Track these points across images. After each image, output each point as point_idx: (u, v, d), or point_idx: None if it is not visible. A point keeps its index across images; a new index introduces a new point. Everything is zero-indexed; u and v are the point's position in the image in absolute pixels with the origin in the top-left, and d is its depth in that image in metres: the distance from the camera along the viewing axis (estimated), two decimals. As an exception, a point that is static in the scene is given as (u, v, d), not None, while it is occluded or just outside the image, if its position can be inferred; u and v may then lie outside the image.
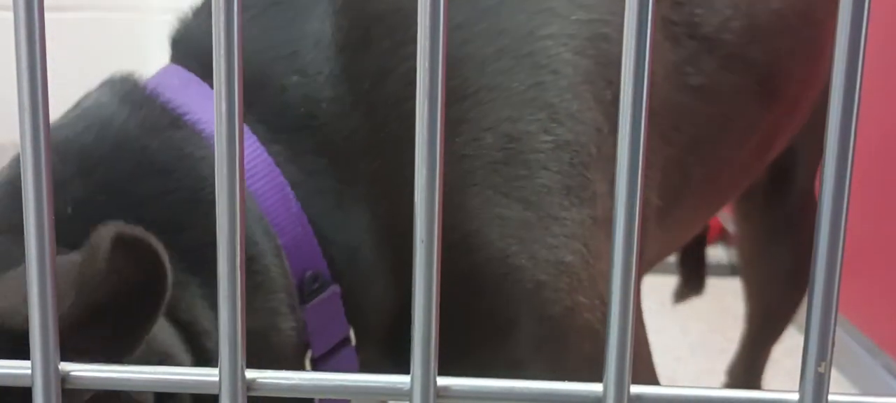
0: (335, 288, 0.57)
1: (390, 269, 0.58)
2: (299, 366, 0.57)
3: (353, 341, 0.59)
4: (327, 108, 0.57)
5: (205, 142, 0.55)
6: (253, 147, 0.55)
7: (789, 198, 1.02)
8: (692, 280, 1.17)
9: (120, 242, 0.39)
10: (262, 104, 0.56)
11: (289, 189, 0.56)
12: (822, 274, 0.25)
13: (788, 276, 1.08)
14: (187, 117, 0.56)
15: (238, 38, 0.24)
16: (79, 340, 0.40)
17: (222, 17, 0.24)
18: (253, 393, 0.25)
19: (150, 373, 0.25)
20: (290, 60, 0.57)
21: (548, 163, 0.58)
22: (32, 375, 0.24)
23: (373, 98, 0.57)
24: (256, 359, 0.55)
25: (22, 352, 0.41)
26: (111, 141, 0.54)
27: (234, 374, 0.24)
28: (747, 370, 1.24)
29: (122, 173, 0.53)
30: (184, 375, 0.25)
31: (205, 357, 0.52)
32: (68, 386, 0.24)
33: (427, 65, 0.24)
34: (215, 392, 0.24)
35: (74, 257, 0.41)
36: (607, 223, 0.62)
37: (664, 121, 0.68)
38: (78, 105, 0.59)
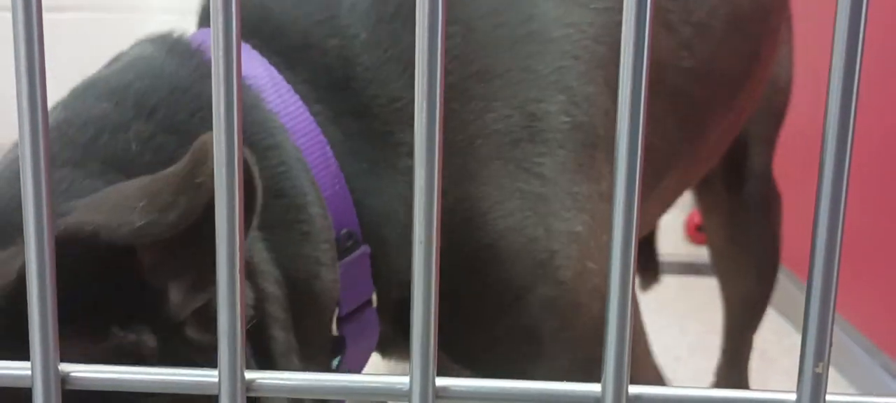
0: (366, 249, 0.60)
1: None
2: (330, 322, 0.59)
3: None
4: (363, 74, 0.59)
5: (253, 93, 0.57)
6: (297, 106, 0.58)
7: (749, 183, 1.07)
8: (647, 271, 1.21)
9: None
10: (305, 65, 0.59)
11: (328, 148, 0.58)
12: (820, 274, 0.25)
13: (760, 261, 1.13)
14: None
15: (236, 38, 0.24)
16: (179, 262, 0.41)
17: (221, 18, 0.24)
18: (252, 394, 0.25)
19: (150, 374, 0.25)
20: (329, 24, 0.60)
21: (564, 142, 0.62)
22: (32, 376, 0.24)
23: (409, 69, 0.59)
24: (300, 309, 0.55)
25: (119, 272, 0.41)
26: (167, 86, 0.56)
27: (234, 375, 0.24)
28: (731, 362, 1.29)
29: (182, 114, 0.55)
30: (183, 375, 0.25)
31: (261, 296, 0.53)
32: (68, 387, 0.24)
33: (426, 65, 0.24)
34: (214, 392, 0.24)
35: (170, 170, 0.40)
36: (610, 199, 0.65)
37: (665, 102, 0.73)
38: (117, 59, 0.60)
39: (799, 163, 1.91)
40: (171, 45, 0.59)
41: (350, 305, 0.60)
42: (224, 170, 0.24)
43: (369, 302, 0.61)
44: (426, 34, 0.24)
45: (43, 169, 0.24)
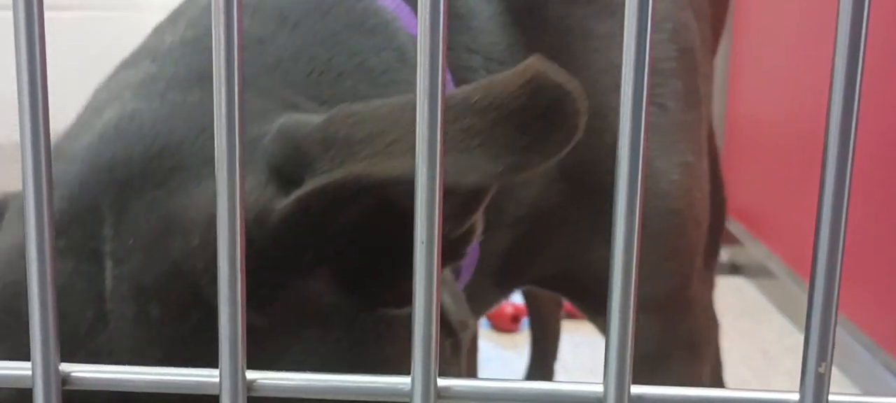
0: None
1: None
2: None
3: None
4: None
5: (392, 13, 0.56)
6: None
7: None
8: None
9: (546, 79, 0.36)
10: None
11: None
12: (823, 273, 0.25)
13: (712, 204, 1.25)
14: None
15: (238, 38, 0.24)
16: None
17: (222, 18, 0.24)
18: (253, 394, 0.25)
19: (151, 374, 0.25)
20: None
21: (676, 70, 0.66)
22: (32, 376, 0.24)
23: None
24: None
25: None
26: (311, 2, 0.55)
27: (235, 375, 0.24)
28: None
29: (329, 28, 0.54)
30: (184, 376, 0.25)
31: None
32: (69, 387, 0.24)
33: (427, 63, 0.24)
34: (215, 392, 0.24)
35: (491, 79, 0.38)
36: (707, 122, 0.72)
37: (706, 84, 0.79)
38: None
39: (800, 162, 1.91)
40: None
41: None
42: (225, 168, 0.24)
43: None
44: (427, 34, 0.24)
45: (44, 168, 0.24)
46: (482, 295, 0.69)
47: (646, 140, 0.24)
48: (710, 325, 0.78)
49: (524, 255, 0.66)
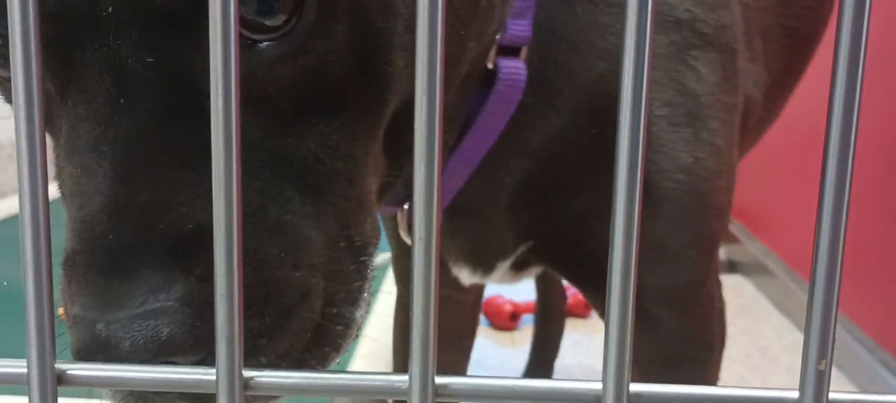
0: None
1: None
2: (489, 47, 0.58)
3: None
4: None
5: None
6: None
7: None
8: None
9: None
10: None
11: None
12: (823, 272, 0.25)
13: None
14: None
15: (235, 38, 0.24)
16: None
17: (219, 14, 0.24)
18: (250, 393, 0.25)
19: (148, 372, 0.25)
20: None
21: (714, 40, 0.64)
22: (28, 373, 0.24)
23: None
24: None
25: None
26: None
27: (231, 373, 0.24)
28: None
29: None
30: (180, 374, 0.25)
31: None
32: (64, 384, 0.24)
33: (425, 61, 0.24)
34: (212, 391, 0.24)
35: None
36: (742, 105, 0.70)
37: (768, 51, 0.77)
38: None
39: (798, 160, 1.91)
40: None
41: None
42: (222, 165, 0.24)
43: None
44: (426, 33, 0.24)
45: (39, 167, 0.24)
46: (493, 239, 0.67)
47: (645, 141, 0.24)
48: (724, 329, 0.76)
49: (533, 197, 0.64)
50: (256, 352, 0.38)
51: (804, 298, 1.70)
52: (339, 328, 0.42)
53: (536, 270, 0.75)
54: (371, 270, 0.45)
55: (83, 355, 0.35)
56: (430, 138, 0.24)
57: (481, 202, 0.64)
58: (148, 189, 0.37)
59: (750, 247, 2.11)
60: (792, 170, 1.91)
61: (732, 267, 2.22)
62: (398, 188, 0.53)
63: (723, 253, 2.28)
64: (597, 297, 0.71)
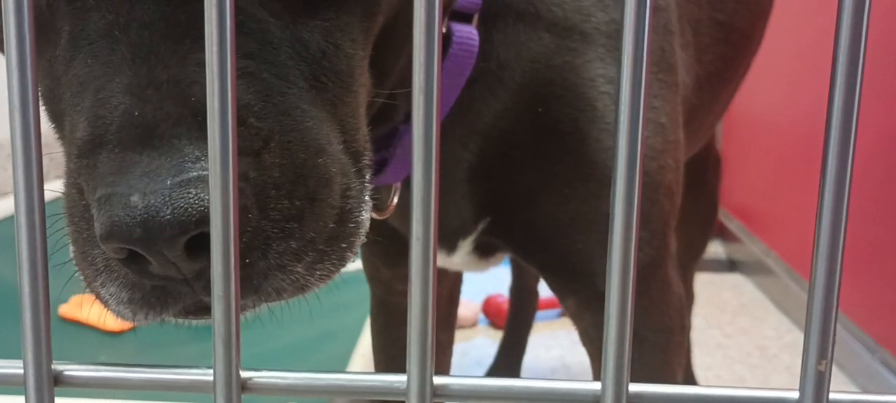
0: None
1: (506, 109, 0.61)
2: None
3: None
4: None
5: None
6: None
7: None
8: None
9: None
10: None
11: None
12: (823, 272, 0.25)
13: (705, 210, 1.29)
14: None
15: (231, 39, 0.24)
16: None
17: (214, 13, 0.24)
18: (247, 393, 0.25)
19: (145, 373, 0.25)
20: None
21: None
22: (25, 374, 0.24)
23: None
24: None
25: None
26: None
27: (229, 374, 0.24)
28: None
29: None
30: (178, 374, 0.25)
31: None
32: (61, 385, 0.24)
33: (423, 61, 0.24)
34: (210, 392, 0.24)
35: None
36: (681, 88, 0.71)
37: (699, 43, 0.78)
38: None
39: (798, 159, 1.91)
40: None
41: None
42: (218, 163, 0.24)
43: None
44: (424, 33, 0.24)
45: (35, 165, 0.24)
46: (453, 215, 0.67)
47: (644, 140, 0.24)
48: (683, 314, 0.76)
49: (488, 172, 0.64)
50: (286, 236, 0.37)
51: (804, 297, 1.69)
52: (351, 225, 0.41)
53: (501, 256, 0.75)
54: (368, 179, 0.45)
55: (118, 233, 0.33)
56: (427, 138, 0.24)
57: (441, 177, 0.65)
58: (171, 67, 0.36)
59: (750, 247, 2.11)
60: (792, 169, 1.91)
61: (732, 266, 2.22)
62: (377, 131, 0.53)
63: (723, 252, 2.28)
64: (551, 279, 0.71)
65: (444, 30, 0.58)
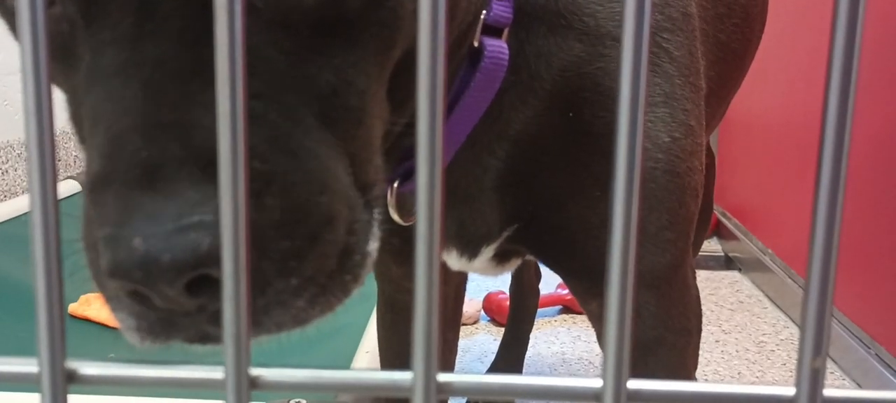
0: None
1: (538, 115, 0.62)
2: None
3: None
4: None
5: None
6: None
7: None
8: None
9: None
10: None
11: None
12: (818, 269, 0.25)
13: (699, 218, 1.29)
14: None
15: (241, 37, 0.24)
16: None
17: (224, 17, 0.24)
18: (258, 390, 0.25)
19: (156, 371, 0.25)
20: None
21: (682, 26, 0.66)
22: (40, 373, 0.24)
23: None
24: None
25: None
26: None
27: (239, 372, 0.24)
28: None
29: None
30: (189, 373, 0.25)
31: None
32: (75, 384, 0.25)
33: (427, 62, 0.24)
34: (220, 390, 0.25)
35: None
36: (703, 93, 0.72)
37: (705, 58, 0.79)
38: None
39: (794, 158, 1.91)
40: None
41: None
42: (228, 164, 0.24)
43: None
44: (427, 34, 0.24)
45: (48, 167, 0.24)
46: (479, 222, 0.67)
47: (643, 140, 0.25)
48: (700, 316, 0.77)
49: (516, 179, 0.65)
50: (287, 273, 0.38)
51: (800, 294, 1.69)
52: (357, 257, 0.42)
53: (516, 262, 0.76)
54: (378, 210, 0.46)
55: (119, 272, 0.34)
56: (431, 139, 0.25)
57: (467, 184, 0.66)
58: (179, 108, 0.37)
59: (747, 244, 2.12)
60: (788, 168, 1.92)
61: (730, 263, 2.22)
62: (404, 142, 0.54)
63: (720, 249, 2.28)
64: (576, 283, 0.72)
65: (476, 44, 0.58)
